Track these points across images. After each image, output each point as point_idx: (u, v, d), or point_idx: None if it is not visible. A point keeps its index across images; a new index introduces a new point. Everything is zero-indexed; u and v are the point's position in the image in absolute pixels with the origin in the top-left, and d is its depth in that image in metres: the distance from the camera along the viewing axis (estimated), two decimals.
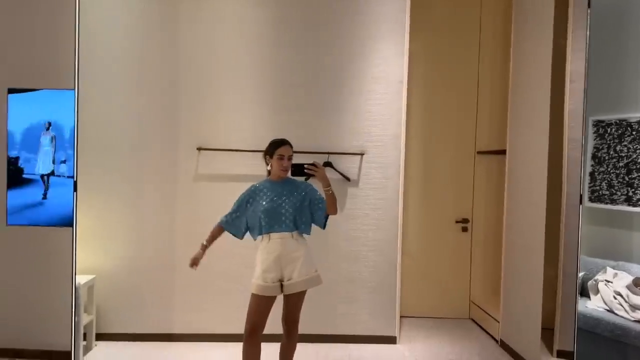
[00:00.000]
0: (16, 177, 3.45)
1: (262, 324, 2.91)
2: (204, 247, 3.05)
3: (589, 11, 3.29)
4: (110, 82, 3.92)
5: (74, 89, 3.32)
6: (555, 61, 3.61)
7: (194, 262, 3.04)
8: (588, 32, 3.29)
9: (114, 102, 3.92)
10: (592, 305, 3.49)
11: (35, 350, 3.49)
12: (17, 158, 3.45)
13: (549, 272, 3.67)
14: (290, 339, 3.03)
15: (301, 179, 3.09)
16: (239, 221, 3.03)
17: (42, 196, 3.45)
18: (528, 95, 3.88)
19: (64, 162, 3.45)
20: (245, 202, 3.01)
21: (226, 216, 3.06)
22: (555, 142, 3.68)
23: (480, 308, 4.63)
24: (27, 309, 3.51)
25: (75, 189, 3.35)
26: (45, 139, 3.45)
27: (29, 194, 3.46)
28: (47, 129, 3.45)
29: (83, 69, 3.48)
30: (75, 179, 3.36)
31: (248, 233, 3.06)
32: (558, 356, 3.75)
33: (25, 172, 3.47)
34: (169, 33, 3.95)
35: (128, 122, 3.94)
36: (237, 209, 3.03)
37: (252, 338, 2.89)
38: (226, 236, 3.86)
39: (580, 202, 3.51)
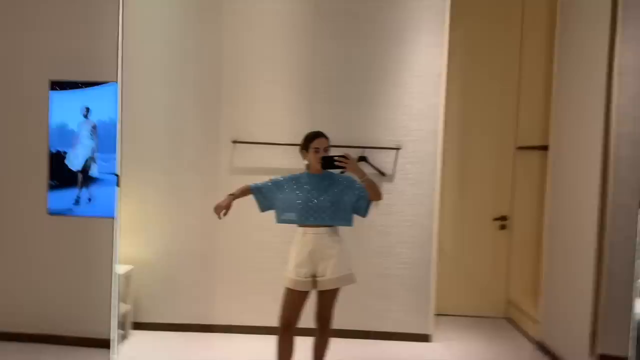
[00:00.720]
0: (60, 169, 3.54)
1: (296, 319, 2.90)
2: (230, 198, 2.96)
3: None
4: (148, 75, 3.96)
5: (117, 82, 3.35)
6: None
7: (219, 209, 2.94)
8: None
9: (151, 95, 3.96)
10: None
11: (75, 337, 3.58)
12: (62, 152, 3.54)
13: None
14: (323, 335, 3.01)
15: (335, 172, 3.04)
16: (269, 194, 2.97)
17: (80, 186, 3.52)
18: (576, 88, 3.72)
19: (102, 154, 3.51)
20: (283, 183, 2.96)
21: (258, 184, 3.00)
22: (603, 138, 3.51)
23: (518, 308, 4.51)
24: (68, 297, 3.61)
25: (117, 182, 3.40)
26: (85, 129, 3.51)
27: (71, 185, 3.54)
28: (85, 116, 3.50)
29: (123, 61, 3.52)
30: (118, 172, 3.41)
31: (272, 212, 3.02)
32: None
33: (68, 164, 3.55)
34: (207, 26, 3.96)
35: (165, 114, 3.98)
36: (273, 184, 2.97)
37: (286, 333, 2.88)
38: (263, 230, 3.89)
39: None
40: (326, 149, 2.90)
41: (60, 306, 3.61)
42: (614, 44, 3.52)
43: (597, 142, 3.40)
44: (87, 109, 3.51)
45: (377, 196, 2.91)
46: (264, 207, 3.03)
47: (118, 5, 3.34)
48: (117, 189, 3.40)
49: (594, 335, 3.65)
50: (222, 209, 2.94)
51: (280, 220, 2.99)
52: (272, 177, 3.02)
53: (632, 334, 3.15)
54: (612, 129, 3.57)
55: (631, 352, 3.11)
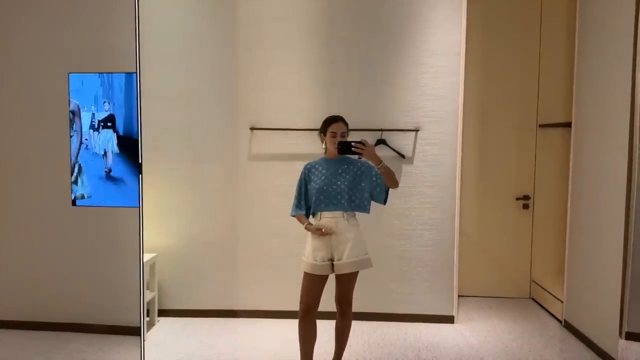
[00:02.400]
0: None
1: (316, 303, 2.91)
2: (310, 224, 2.92)
3: None
4: (166, 64, 3.96)
5: (136, 72, 3.37)
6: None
7: (318, 229, 2.86)
8: None
9: (170, 83, 3.98)
10: None
11: (103, 325, 3.66)
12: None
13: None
14: (344, 319, 3.02)
15: (352, 157, 3.03)
16: (306, 204, 3.00)
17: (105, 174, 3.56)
18: (599, 62, 3.61)
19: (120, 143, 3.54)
20: (304, 183, 2.99)
21: (293, 206, 3.03)
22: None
23: (542, 287, 4.47)
24: (95, 287, 3.67)
25: (140, 172, 3.43)
26: (102, 118, 3.54)
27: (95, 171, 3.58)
28: (106, 109, 3.53)
29: (141, 52, 3.54)
30: (140, 161, 3.43)
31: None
32: (627, 338, 3.57)
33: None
34: (224, 14, 3.94)
35: (184, 103, 4.00)
36: (299, 195, 3.01)
37: (306, 317, 2.90)
38: (283, 216, 3.90)
39: None
40: (343, 134, 2.89)
41: (87, 295, 3.68)
42: (639, 15, 3.41)
43: (624, 117, 3.30)
44: (106, 102, 3.53)
45: (394, 184, 2.91)
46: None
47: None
48: (140, 177, 3.44)
49: (619, 313, 3.61)
50: (316, 228, 2.88)
51: (310, 213, 2.99)
52: (296, 183, 3.02)
53: None
54: (638, 103, 3.48)
55: None
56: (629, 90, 3.27)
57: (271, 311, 4.06)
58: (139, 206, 3.46)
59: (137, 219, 3.49)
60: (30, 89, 3.60)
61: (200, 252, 4.07)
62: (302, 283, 2.92)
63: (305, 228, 2.92)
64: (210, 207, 4.05)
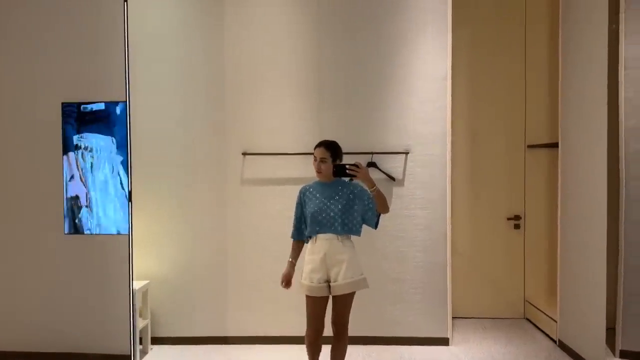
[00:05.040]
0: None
1: (322, 327, 2.98)
2: (292, 264, 3.08)
3: None
4: (157, 91, 4.02)
5: (126, 102, 3.46)
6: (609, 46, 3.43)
7: (286, 280, 3.06)
8: None
9: (162, 111, 4.02)
10: None
11: (96, 354, 3.63)
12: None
13: (610, 269, 3.49)
14: (340, 341, 3.03)
15: (346, 180, 3.08)
16: (305, 222, 3.08)
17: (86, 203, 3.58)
18: (581, 84, 3.71)
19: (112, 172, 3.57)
20: (300, 207, 3.08)
21: (293, 229, 3.12)
22: (611, 133, 3.49)
23: (536, 307, 4.47)
24: (87, 315, 3.65)
25: (129, 199, 3.47)
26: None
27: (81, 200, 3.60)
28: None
29: (131, 79, 3.60)
30: (130, 189, 3.48)
31: None
32: (621, 356, 3.57)
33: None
34: (213, 40, 4.02)
35: (175, 130, 4.04)
36: (298, 218, 3.09)
37: (314, 341, 2.99)
38: (276, 240, 3.92)
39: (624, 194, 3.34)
40: (323, 159, 2.97)
41: (79, 324, 3.66)
42: (616, 38, 3.52)
43: (604, 136, 3.39)
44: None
45: (385, 209, 2.99)
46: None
47: (124, 26, 3.43)
48: (129, 205, 3.47)
49: (613, 331, 3.62)
50: (289, 277, 3.06)
51: (306, 237, 3.08)
52: (294, 208, 3.13)
53: None
54: (621, 123, 3.56)
55: None
56: (605, 112, 3.37)
57: (265, 337, 4.03)
58: (128, 233, 3.49)
59: (127, 247, 3.51)
60: (24, 119, 3.64)
61: (193, 278, 4.06)
62: (306, 307, 2.99)
63: (288, 265, 3.07)
64: (202, 233, 4.05)
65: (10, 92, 3.63)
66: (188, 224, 4.05)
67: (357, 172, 2.89)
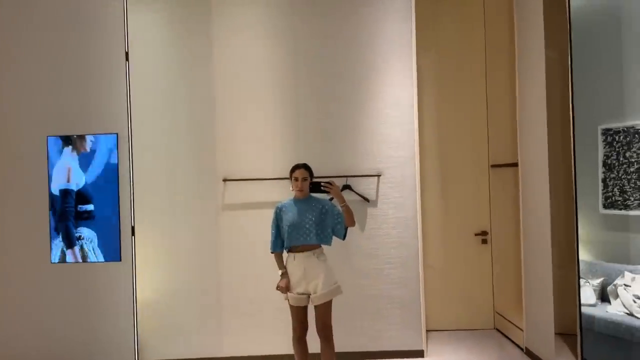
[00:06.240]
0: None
1: (305, 329, 3.44)
2: (284, 274, 3.40)
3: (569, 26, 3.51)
4: (139, 121, 4.12)
5: (116, 134, 3.65)
6: (556, 74, 3.78)
7: (287, 289, 3.38)
8: (570, 48, 3.52)
9: (144, 140, 4.14)
10: (613, 310, 3.59)
11: None
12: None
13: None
14: (327, 343, 3.36)
15: (322, 195, 3.46)
16: (282, 240, 3.44)
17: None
18: (532, 107, 4.06)
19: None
20: (277, 222, 3.42)
21: (271, 242, 3.44)
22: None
23: (505, 318, 4.73)
24: (76, 342, 3.73)
25: (133, 233, 3.70)
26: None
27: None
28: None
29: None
30: (132, 224, 3.70)
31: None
32: None
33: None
34: (195, 72, 4.22)
35: (157, 158, 4.19)
36: (276, 233, 3.42)
37: (299, 342, 3.44)
38: (257, 262, 4.09)
39: (576, 207, 3.67)
40: (305, 179, 3.37)
41: (69, 353, 3.74)
42: (562, 67, 3.86)
43: (545, 155, 3.80)
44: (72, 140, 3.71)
45: (352, 222, 3.39)
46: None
47: (123, 64, 3.66)
48: (133, 238, 3.67)
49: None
50: (285, 287, 3.39)
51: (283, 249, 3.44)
52: (271, 223, 3.46)
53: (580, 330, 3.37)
54: (572, 142, 3.88)
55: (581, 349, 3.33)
56: (545, 133, 3.70)
57: (250, 356, 4.16)
58: (132, 262, 3.69)
59: (116, 274, 3.64)
60: (10, 151, 3.74)
61: (177, 302, 4.18)
62: (291, 314, 3.43)
63: (281, 276, 3.42)
64: (187, 258, 4.19)
65: None
66: (172, 249, 4.18)
67: (330, 188, 3.36)
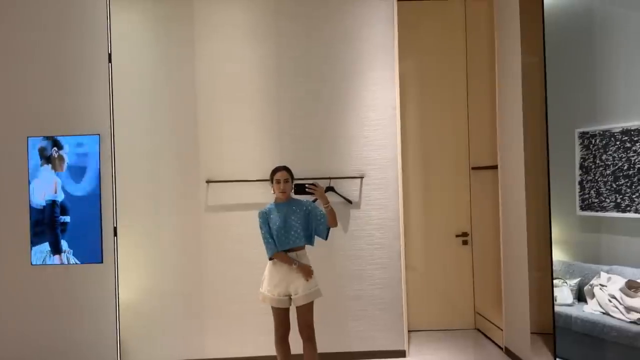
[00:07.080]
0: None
1: (287, 330, 3.43)
2: (297, 263, 3.33)
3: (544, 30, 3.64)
4: (122, 123, 4.11)
5: (98, 134, 3.63)
6: (535, 79, 3.86)
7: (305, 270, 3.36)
8: (545, 52, 3.65)
9: (127, 141, 4.12)
10: (589, 310, 3.67)
11: None
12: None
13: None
14: (309, 342, 3.38)
15: (305, 197, 3.45)
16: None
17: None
18: (510, 111, 4.14)
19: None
20: (267, 226, 3.36)
21: (267, 247, 3.38)
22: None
23: (485, 318, 4.80)
24: (57, 345, 3.69)
25: (115, 234, 3.64)
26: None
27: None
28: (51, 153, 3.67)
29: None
30: (115, 225, 3.63)
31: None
32: None
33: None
34: (179, 74, 4.21)
35: (140, 160, 4.17)
36: (268, 236, 3.36)
37: (282, 342, 3.44)
38: (240, 263, 4.10)
39: (549, 209, 3.76)
40: (286, 180, 3.36)
41: (50, 357, 3.70)
42: (538, 71, 3.95)
43: (521, 157, 3.90)
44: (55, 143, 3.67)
45: (334, 223, 3.40)
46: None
47: (106, 63, 3.64)
48: (115, 239, 3.65)
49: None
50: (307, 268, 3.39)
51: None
52: (259, 225, 3.41)
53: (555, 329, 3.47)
54: (549, 145, 3.96)
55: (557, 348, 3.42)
56: (521, 136, 3.80)
57: (233, 358, 4.17)
58: (115, 265, 3.65)
59: (98, 276, 3.61)
60: None
61: (161, 304, 4.16)
62: (273, 316, 3.43)
63: (295, 266, 3.34)
64: (169, 259, 4.18)
65: None
66: (154, 250, 4.17)
67: (315, 190, 3.36)
